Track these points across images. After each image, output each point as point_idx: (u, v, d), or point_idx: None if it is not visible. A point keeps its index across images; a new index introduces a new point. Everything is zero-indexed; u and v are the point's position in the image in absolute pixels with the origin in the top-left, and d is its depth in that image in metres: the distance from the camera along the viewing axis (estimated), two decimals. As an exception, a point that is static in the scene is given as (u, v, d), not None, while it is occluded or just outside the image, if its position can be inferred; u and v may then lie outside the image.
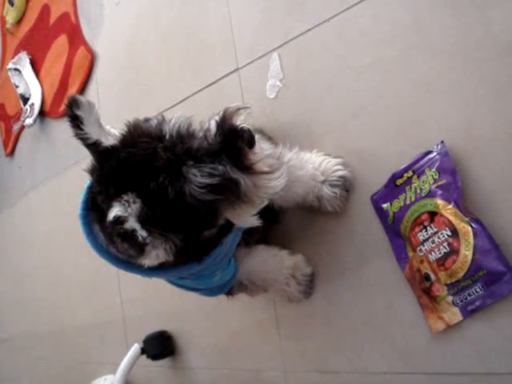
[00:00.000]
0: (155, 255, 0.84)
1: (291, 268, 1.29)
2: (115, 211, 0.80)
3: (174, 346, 1.81)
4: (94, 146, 0.88)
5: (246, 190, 0.85)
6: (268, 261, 1.26)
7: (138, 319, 2.01)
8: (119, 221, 0.79)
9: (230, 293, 1.25)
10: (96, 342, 2.27)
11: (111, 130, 0.92)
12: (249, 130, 0.85)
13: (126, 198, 0.81)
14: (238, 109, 0.88)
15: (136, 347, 1.79)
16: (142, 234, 0.80)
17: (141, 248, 0.81)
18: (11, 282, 2.99)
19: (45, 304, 2.67)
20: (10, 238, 3.00)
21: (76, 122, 0.87)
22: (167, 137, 0.85)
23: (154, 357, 1.79)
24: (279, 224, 1.39)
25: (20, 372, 2.88)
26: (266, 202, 0.93)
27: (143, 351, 1.79)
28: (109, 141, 0.88)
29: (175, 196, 0.81)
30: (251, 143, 0.85)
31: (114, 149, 0.87)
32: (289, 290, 1.31)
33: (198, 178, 0.81)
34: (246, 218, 0.92)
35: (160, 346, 1.79)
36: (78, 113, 0.86)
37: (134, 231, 0.80)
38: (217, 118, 0.88)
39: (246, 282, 1.23)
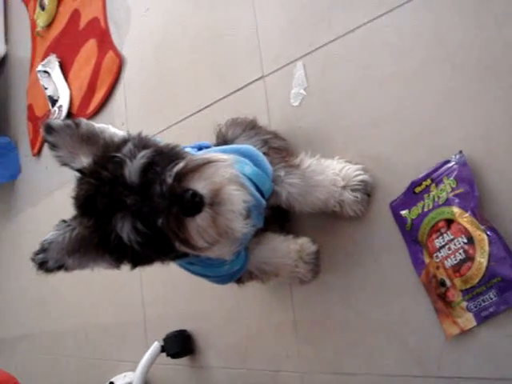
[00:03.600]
0: (98, 267, 0.96)
1: (298, 250, 1.34)
2: (47, 237, 0.92)
3: (193, 345, 1.84)
4: (67, 166, 0.97)
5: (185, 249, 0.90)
6: (277, 247, 1.30)
7: (159, 318, 2.05)
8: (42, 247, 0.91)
9: (240, 281, 1.30)
10: (117, 340, 2.32)
11: (117, 132, 0.99)
12: (188, 197, 0.83)
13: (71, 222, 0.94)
14: (204, 163, 0.88)
15: (156, 345, 1.83)
16: (51, 263, 0.92)
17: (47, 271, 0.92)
18: (35, 279, 3.01)
19: (68, 302, 2.73)
20: (34, 236, 3.04)
21: (51, 147, 0.96)
22: (118, 181, 0.89)
23: (174, 355, 1.82)
24: (292, 223, 1.44)
25: (41, 368, 2.93)
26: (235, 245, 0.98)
27: (163, 349, 1.83)
28: (77, 164, 0.96)
29: (105, 237, 0.88)
30: (191, 211, 0.84)
31: (81, 172, 0.95)
32: (298, 271, 1.36)
33: (126, 231, 0.86)
34: (217, 254, 0.96)
35: (179, 344, 1.83)
36: (50, 139, 0.94)
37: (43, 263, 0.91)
38: (181, 164, 0.88)
39: (257, 271, 1.28)
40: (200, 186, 0.85)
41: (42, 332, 3.02)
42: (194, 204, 0.83)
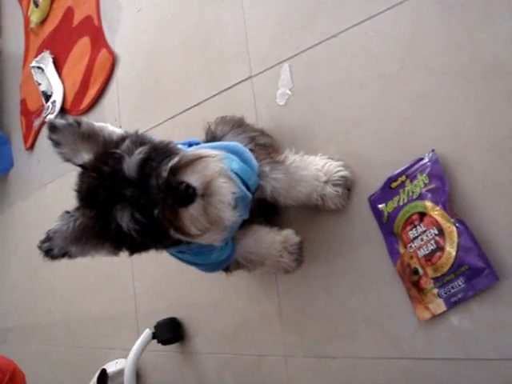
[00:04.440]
0: (98, 254, 1.02)
1: (282, 241, 1.40)
2: (52, 227, 0.97)
3: (183, 332, 1.90)
4: (70, 162, 1.04)
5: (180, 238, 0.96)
6: (262, 238, 1.36)
7: (150, 307, 2.10)
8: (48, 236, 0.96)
9: (228, 269, 1.36)
10: (109, 329, 2.36)
11: (115, 130, 1.06)
12: (182, 189, 0.89)
13: (74, 213, 1.00)
14: (197, 158, 0.94)
15: (147, 332, 1.89)
16: (56, 251, 0.97)
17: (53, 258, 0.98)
18: (26, 270, 3.07)
19: (59, 292, 2.77)
20: (25, 228, 3.10)
21: (54, 144, 1.02)
22: (118, 175, 0.95)
23: (164, 342, 1.88)
24: (277, 216, 1.51)
25: (34, 358, 2.95)
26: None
27: (154, 336, 1.88)
28: (79, 160, 1.02)
29: (106, 226, 0.94)
30: (183, 202, 0.90)
31: (83, 167, 1.02)
32: (283, 261, 1.43)
33: (126, 221, 0.92)
34: (208, 240, 1.01)
35: (170, 331, 1.88)
36: (54, 137, 1.01)
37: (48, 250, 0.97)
38: (175, 159, 0.94)
39: (243, 260, 1.34)
40: (193, 179, 0.91)
41: (34, 322, 3.05)
42: (188, 195, 0.89)
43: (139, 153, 0.94)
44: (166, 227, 0.93)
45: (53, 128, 1.01)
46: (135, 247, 1.00)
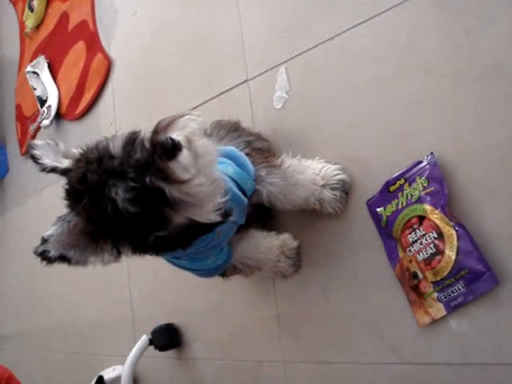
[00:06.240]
0: (99, 259, 0.98)
1: (280, 246, 1.40)
2: (47, 232, 0.95)
3: (180, 338, 1.88)
4: (55, 171, 1.03)
5: (176, 197, 0.92)
6: (260, 243, 1.36)
7: (147, 313, 2.09)
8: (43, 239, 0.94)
9: (224, 274, 1.36)
10: (106, 336, 2.35)
11: (71, 151, 1.05)
12: (167, 142, 0.89)
13: (65, 217, 0.96)
14: (174, 119, 0.94)
15: (144, 338, 1.88)
16: (52, 253, 0.94)
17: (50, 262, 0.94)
18: (23, 277, 3.05)
19: (56, 298, 2.75)
20: (22, 234, 3.08)
21: (34, 160, 1.03)
22: (104, 157, 0.94)
23: (161, 348, 1.86)
24: (274, 220, 1.50)
25: (30, 365, 2.94)
26: (218, 200, 1.00)
27: (151, 342, 1.87)
28: (64, 164, 1.02)
29: (101, 214, 0.91)
30: (171, 154, 0.89)
31: (67, 170, 1.00)
32: (280, 266, 1.42)
33: (120, 195, 0.89)
34: (205, 216, 0.99)
35: (167, 337, 1.87)
36: (33, 152, 1.03)
37: (43, 252, 0.94)
38: (156, 124, 0.95)
39: (240, 265, 1.33)
40: (174, 135, 0.90)
41: (30, 329, 3.04)
42: (174, 146, 0.88)
43: (123, 134, 0.95)
44: (161, 190, 0.90)
45: (32, 146, 1.03)
46: (135, 238, 0.98)
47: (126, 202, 0.89)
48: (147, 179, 0.89)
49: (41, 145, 1.03)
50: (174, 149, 0.88)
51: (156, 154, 0.89)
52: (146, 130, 0.96)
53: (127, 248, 0.99)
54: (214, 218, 1.00)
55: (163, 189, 0.90)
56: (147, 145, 0.91)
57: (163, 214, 0.94)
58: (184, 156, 0.89)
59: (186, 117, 0.95)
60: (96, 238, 0.96)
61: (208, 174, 0.95)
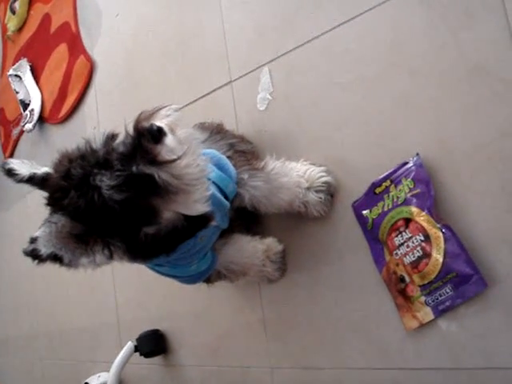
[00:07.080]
0: (91, 261, 0.94)
1: (265, 250, 1.38)
2: (35, 233, 0.91)
3: (166, 345, 1.86)
4: (33, 180, 1.00)
5: (165, 181, 0.90)
6: (244, 247, 1.34)
7: (132, 320, 2.06)
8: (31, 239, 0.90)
9: (209, 281, 1.33)
10: (91, 342, 2.32)
11: (43, 169, 1.03)
12: (152, 127, 0.89)
13: (51, 219, 0.92)
14: (155, 109, 0.94)
15: (129, 345, 1.85)
16: (43, 251, 0.90)
17: (41, 260, 0.91)
18: (8, 283, 3.03)
19: (41, 305, 2.72)
20: (6, 240, 3.05)
21: (10, 174, 1.01)
22: (87, 152, 0.93)
23: (147, 354, 1.84)
24: (258, 224, 1.48)
25: (15, 371, 2.93)
26: (205, 187, 0.98)
27: (136, 349, 1.84)
28: (42, 170, 1.00)
29: (88, 206, 0.89)
30: (157, 138, 0.89)
31: (46, 176, 0.98)
32: (266, 270, 1.41)
33: (105, 182, 0.88)
34: (193, 206, 0.97)
35: (153, 343, 1.85)
36: (7, 167, 1.01)
37: (34, 250, 0.90)
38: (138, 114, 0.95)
39: (225, 271, 1.31)
40: (157, 123, 0.90)
41: (15, 335, 3.01)
42: (160, 130, 0.88)
43: (104, 131, 0.95)
44: (148, 178, 0.89)
45: (7, 163, 1.02)
46: (125, 234, 0.94)
47: (112, 189, 0.87)
48: (133, 168, 0.88)
49: (16, 162, 1.02)
50: (159, 133, 0.88)
51: (143, 139, 0.88)
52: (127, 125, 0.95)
53: (118, 247, 0.95)
54: (202, 208, 0.98)
55: (151, 174, 0.89)
56: (132, 133, 0.91)
57: (151, 205, 0.92)
58: (169, 139, 0.89)
59: (167, 108, 0.94)
60: (85, 240, 0.93)
61: (193, 157, 0.94)
